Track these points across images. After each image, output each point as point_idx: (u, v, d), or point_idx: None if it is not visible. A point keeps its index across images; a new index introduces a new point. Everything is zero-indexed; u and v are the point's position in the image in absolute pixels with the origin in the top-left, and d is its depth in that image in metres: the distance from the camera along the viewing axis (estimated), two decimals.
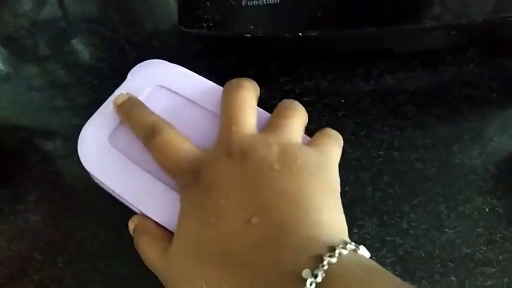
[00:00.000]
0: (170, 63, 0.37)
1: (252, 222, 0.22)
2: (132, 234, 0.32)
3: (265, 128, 0.29)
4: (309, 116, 0.39)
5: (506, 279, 0.32)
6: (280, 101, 0.39)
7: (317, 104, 0.39)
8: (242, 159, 0.25)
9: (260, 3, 0.33)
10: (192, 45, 0.43)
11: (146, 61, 0.37)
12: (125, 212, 0.36)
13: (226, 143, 0.27)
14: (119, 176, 0.32)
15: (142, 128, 0.30)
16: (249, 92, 0.30)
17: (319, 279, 0.18)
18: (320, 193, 0.25)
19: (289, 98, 0.39)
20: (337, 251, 0.19)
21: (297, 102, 0.31)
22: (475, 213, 0.34)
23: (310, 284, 0.18)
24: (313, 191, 0.24)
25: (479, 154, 0.36)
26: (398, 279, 0.20)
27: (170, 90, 0.35)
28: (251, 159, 0.25)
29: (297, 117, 0.29)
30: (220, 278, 0.21)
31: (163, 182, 0.30)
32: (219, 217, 0.23)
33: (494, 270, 0.32)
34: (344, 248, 0.20)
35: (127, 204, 0.33)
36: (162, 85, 0.35)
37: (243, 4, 0.33)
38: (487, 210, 0.34)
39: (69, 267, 0.35)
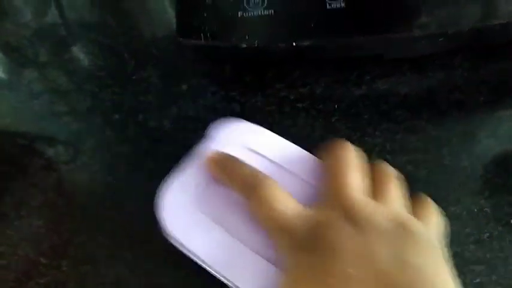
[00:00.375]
0: (251, 123, 0.35)
1: None
2: None
3: (373, 194, 0.28)
4: (303, 121, 0.40)
5: (494, 277, 0.33)
6: (276, 107, 0.41)
7: (311, 110, 0.40)
8: (363, 226, 0.23)
9: (255, 14, 0.34)
10: (190, 52, 0.44)
11: (225, 119, 0.35)
12: (125, 215, 0.37)
13: (342, 205, 0.25)
14: (204, 242, 0.29)
15: (242, 181, 0.28)
16: (355, 154, 0.29)
17: None
18: (441, 267, 0.25)
19: (285, 104, 0.41)
20: None
21: (389, 167, 0.31)
22: (464, 213, 0.35)
23: None
24: (436, 265, 0.24)
25: (468, 156, 0.37)
26: None
27: (255, 152, 0.32)
28: (373, 228, 0.24)
29: (397, 185, 0.29)
30: None
31: (252, 249, 0.28)
32: (345, 286, 0.22)
33: (482, 268, 0.34)
34: None
35: (213, 273, 0.29)
36: (247, 146, 0.33)
37: (239, 15, 0.35)
38: (476, 210, 0.35)
39: (73, 271, 0.36)
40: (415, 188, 0.36)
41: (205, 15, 0.35)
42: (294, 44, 0.34)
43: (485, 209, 0.35)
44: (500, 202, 0.35)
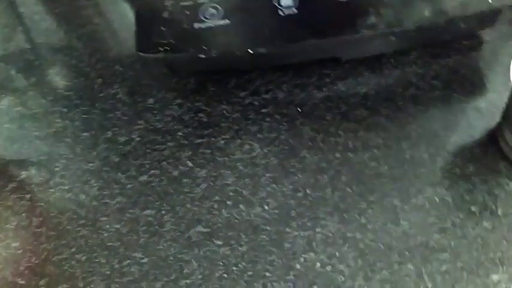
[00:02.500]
0: None
1: None
2: None
3: None
4: (268, 126, 0.41)
5: (459, 264, 0.35)
6: (241, 114, 0.42)
7: (276, 115, 0.42)
8: None
9: (211, 25, 0.36)
10: (155, 68, 0.45)
11: None
12: (100, 232, 0.38)
13: None
14: None
15: None
16: None
17: None
18: None
19: (249, 110, 0.42)
20: None
21: None
22: (427, 203, 0.37)
23: None
24: None
25: (427, 148, 0.39)
26: None
27: None
28: None
29: None
30: None
31: None
32: None
33: (447, 255, 0.35)
34: None
35: None
36: None
37: (196, 27, 0.36)
38: (437, 200, 0.37)
39: None
40: (378, 183, 0.38)
41: (163, 29, 0.36)
42: (250, 51, 0.35)
43: (446, 198, 0.37)
44: (459, 191, 0.37)
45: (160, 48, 0.36)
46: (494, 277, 0.34)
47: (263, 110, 0.42)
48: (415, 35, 0.39)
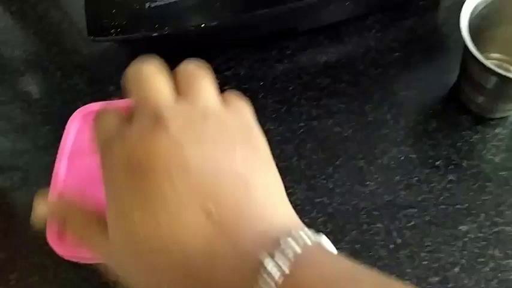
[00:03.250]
0: None
1: (208, 212, 0.20)
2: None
3: (182, 94, 0.24)
4: None
5: (427, 217, 0.35)
6: None
7: (237, 90, 0.41)
8: (174, 132, 0.21)
9: (162, 3, 0.35)
10: (114, 55, 0.45)
11: None
12: None
13: (150, 116, 0.22)
14: None
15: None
16: (150, 65, 0.25)
17: (282, 264, 0.18)
18: (260, 166, 0.22)
19: None
20: (300, 234, 0.19)
21: (195, 65, 0.26)
22: (392, 163, 0.37)
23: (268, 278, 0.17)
24: (254, 165, 0.22)
25: (389, 109, 0.39)
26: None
27: None
28: (184, 132, 0.21)
29: (205, 80, 0.25)
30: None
31: None
32: (166, 206, 0.20)
33: (415, 211, 0.35)
34: (303, 231, 0.19)
35: None
36: None
37: (146, 6, 0.36)
38: (402, 158, 0.37)
39: (21, 283, 0.36)
40: (343, 147, 0.38)
41: (113, 11, 0.36)
42: (203, 25, 0.35)
43: (411, 155, 0.37)
44: (423, 147, 0.37)
45: (112, 31, 0.36)
46: (463, 228, 0.34)
47: (225, 87, 0.42)
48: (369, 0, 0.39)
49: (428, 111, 0.38)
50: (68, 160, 0.34)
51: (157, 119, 0.21)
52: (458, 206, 0.35)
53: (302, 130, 0.39)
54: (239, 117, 0.24)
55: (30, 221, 0.38)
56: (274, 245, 0.18)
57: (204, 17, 0.35)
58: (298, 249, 0.18)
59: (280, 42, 0.43)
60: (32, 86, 0.45)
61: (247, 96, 0.42)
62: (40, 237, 0.38)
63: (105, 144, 0.23)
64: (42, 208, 0.27)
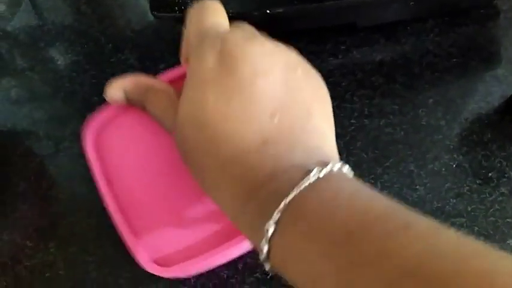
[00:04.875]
0: None
1: (273, 116, 0.22)
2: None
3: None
4: None
5: (476, 228, 0.34)
6: None
7: None
8: (269, 44, 0.24)
9: None
10: (167, 34, 0.44)
11: None
12: None
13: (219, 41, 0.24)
14: None
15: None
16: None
17: (304, 185, 0.19)
18: (323, 101, 0.26)
19: None
20: (329, 166, 0.21)
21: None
22: (443, 169, 0.36)
23: (295, 189, 0.19)
24: (319, 98, 0.26)
25: (444, 115, 0.38)
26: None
27: None
28: (277, 47, 0.25)
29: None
30: (222, 163, 0.22)
31: None
32: (241, 98, 0.22)
33: (464, 220, 0.34)
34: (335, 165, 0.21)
35: None
36: None
37: None
38: (454, 166, 0.36)
39: (61, 252, 0.36)
40: (394, 149, 0.37)
41: None
42: (268, 11, 0.34)
43: (464, 164, 0.36)
44: (477, 157, 0.36)
45: (176, 8, 0.35)
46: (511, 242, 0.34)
47: None
48: (433, 2, 0.39)
49: (483, 121, 0.38)
50: None
51: (254, 33, 0.25)
52: (508, 220, 0.34)
53: (353, 127, 0.39)
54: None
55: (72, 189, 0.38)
56: (320, 163, 0.21)
57: (270, 2, 0.35)
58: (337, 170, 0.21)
59: (336, 36, 0.43)
60: (81, 56, 0.45)
61: None
62: (83, 208, 0.38)
63: (198, 40, 0.25)
64: (115, 92, 0.31)
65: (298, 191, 0.19)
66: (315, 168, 0.20)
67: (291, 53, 0.25)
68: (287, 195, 0.19)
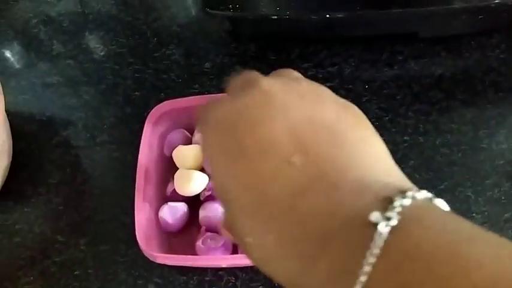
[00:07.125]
0: None
1: (292, 161, 0.19)
2: None
3: None
4: None
5: None
6: None
7: (340, 90, 0.39)
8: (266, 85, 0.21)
9: None
10: (213, 31, 0.43)
11: None
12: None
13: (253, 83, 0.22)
14: None
15: None
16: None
17: (393, 222, 0.15)
18: (355, 123, 0.21)
19: None
20: (410, 193, 0.16)
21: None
22: (503, 198, 0.34)
23: (384, 228, 0.15)
24: (347, 121, 0.21)
25: (506, 139, 0.35)
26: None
27: None
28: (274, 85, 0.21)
29: None
30: (263, 229, 0.19)
31: None
32: (248, 158, 0.20)
33: None
34: (417, 192, 0.17)
35: None
36: None
37: None
38: None
39: (91, 249, 0.35)
40: (450, 171, 0.35)
41: None
42: (328, 16, 0.32)
43: None
44: None
45: (230, 6, 0.34)
46: None
47: (327, 84, 0.39)
48: (502, 17, 0.36)
49: None
50: None
51: (249, 82, 0.22)
52: None
53: (406, 144, 0.36)
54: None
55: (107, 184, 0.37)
56: (381, 206, 0.16)
57: (330, 6, 0.33)
58: (407, 203, 0.16)
59: (393, 45, 0.40)
60: (125, 48, 0.43)
61: (350, 98, 0.39)
62: (116, 205, 0.37)
63: (204, 118, 0.23)
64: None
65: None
66: (397, 198, 0.16)
67: (295, 82, 0.22)
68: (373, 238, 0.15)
